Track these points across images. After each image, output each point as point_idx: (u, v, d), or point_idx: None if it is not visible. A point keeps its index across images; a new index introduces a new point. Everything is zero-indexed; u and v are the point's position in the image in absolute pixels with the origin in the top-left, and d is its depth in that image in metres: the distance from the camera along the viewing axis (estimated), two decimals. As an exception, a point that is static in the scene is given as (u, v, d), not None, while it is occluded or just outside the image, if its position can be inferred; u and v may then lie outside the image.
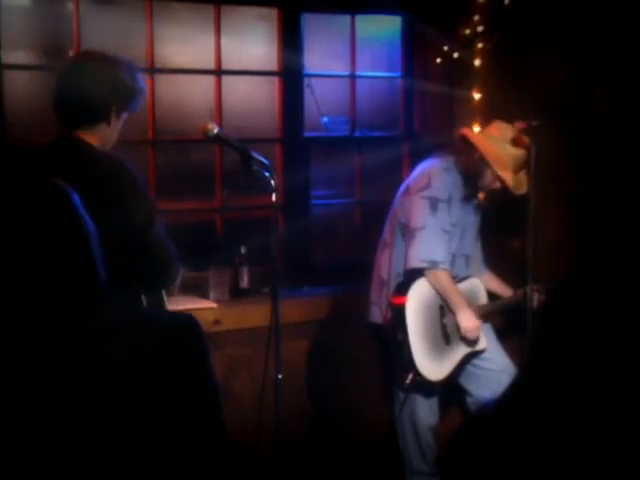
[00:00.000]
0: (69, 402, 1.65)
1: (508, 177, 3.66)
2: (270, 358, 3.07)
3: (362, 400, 4.27)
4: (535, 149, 3.58)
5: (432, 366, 3.59)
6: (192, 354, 2.37)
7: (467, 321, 3.63)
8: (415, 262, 3.61)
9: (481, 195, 4.05)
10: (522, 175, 3.72)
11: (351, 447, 4.27)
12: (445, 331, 3.65)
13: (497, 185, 3.73)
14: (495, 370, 3.78)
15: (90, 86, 2.70)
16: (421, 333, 3.57)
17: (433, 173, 3.69)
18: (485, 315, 3.79)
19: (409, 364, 3.54)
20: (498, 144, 3.66)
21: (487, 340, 3.78)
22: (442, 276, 3.62)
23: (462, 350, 3.70)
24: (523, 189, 3.71)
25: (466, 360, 3.74)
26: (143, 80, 2.87)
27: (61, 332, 1.65)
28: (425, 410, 3.82)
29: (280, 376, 3.08)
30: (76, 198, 1.72)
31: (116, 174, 2.65)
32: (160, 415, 1.83)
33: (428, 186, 3.65)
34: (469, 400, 3.87)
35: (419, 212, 3.64)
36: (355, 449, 4.27)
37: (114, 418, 1.70)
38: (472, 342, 3.69)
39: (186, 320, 2.45)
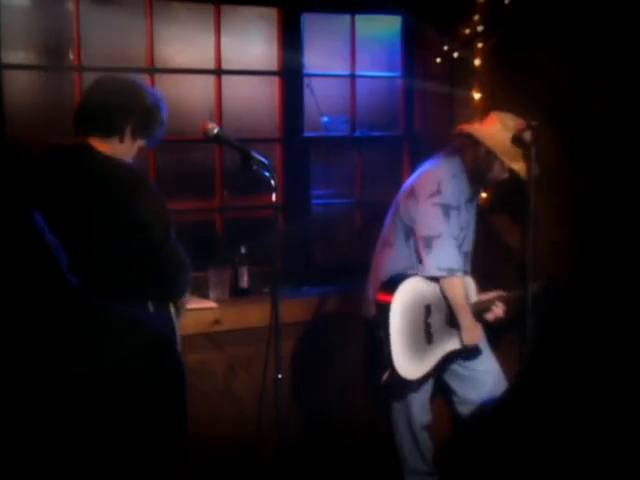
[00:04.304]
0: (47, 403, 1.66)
1: (518, 167, 3.64)
2: (270, 358, 3.07)
3: (362, 400, 4.28)
4: (534, 149, 3.58)
5: (409, 365, 3.58)
6: (172, 357, 2.38)
7: (469, 338, 3.67)
8: (433, 271, 3.60)
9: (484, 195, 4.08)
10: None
11: (350, 447, 4.27)
12: (428, 330, 3.64)
13: (505, 175, 3.72)
14: (480, 371, 3.80)
15: (109, 97, 2.77)
16: (403, 332, 3.56)
17: (443, 179, 3.64)
18: (475, 313, 3.78)
19: (387, 362, 3.54)
20: (502, 135, 3.65)
21: None
22: (458, 284, 3.62)
23: (442, 350, 3.70)
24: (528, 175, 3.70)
25: (446, 360, 3.74)
26: (165, 114, 2.92)
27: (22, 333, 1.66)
28: (418, 409, 3.83)
29: (280, 376, 3.07)
30: (37, 216, 1.74)
31: (128, 181, 2.70)
32: (142, 416, 1.84)
33: (439, 192, 3.62)
34: (455, 399, 3.89)
35: (432, 219, 3.61)
36: (354, 449, 4.27)
37: (91, 421, 1.70)
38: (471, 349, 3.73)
39: (166, 323, 2.45)
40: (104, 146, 2.77)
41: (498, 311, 3.73)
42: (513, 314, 3.81)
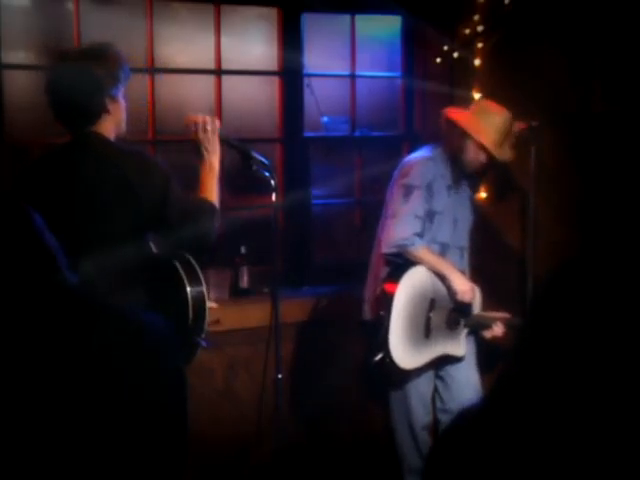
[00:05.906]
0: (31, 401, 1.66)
1: (488, 142, 3.61)
2: (270, 358, 3.07)
3: (361, 400, 4.27)
4: (535, 149, 3.59)
5: (404, 353, 3.56)
6: (172, 357, 2.37)
7: (459, 284, 3.65)
8: (386, 248, 3.62)
9: (481, 193, 4.08)
10: (507, 145, 3.70)
11: (350, 446, 4.27)
12: (428, 324, 3.64)
13: (482, 157, 3.66)
14: (462, 382, 3.82)
15: (74, 92, 2.72)
16: (404, 320, 3.56)
17: (416, 163, 3.71)
18: (477, 326, 3.77)
19: (382, 344, 3.53)
20: (478, 116, 3.66)
21: (466, 350, 3.79)
22: (418, 251, 3.60)
23: (439, 349, 3.69)
24: (507, 156, 3.68)
25: (441, 360, 3.74)
26: (119, 55, 2.83)
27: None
28: (419, 409, 3.82)
29: (280, 376, 3.08)
30: (37, 218, 1.74)
31: (138, 164, 2.81)
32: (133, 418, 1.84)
33: (407, 175, 3.67)
34: (438, 404, 3.91)
35: (392, 200, 3.67)
36: (354, 448, 4.27)
37: (89, 421, 1.70)
38: (467, 306, 3.70)
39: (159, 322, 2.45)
40: (102, 128, 2.78)
41: (497, 331, 3.69)
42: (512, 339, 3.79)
